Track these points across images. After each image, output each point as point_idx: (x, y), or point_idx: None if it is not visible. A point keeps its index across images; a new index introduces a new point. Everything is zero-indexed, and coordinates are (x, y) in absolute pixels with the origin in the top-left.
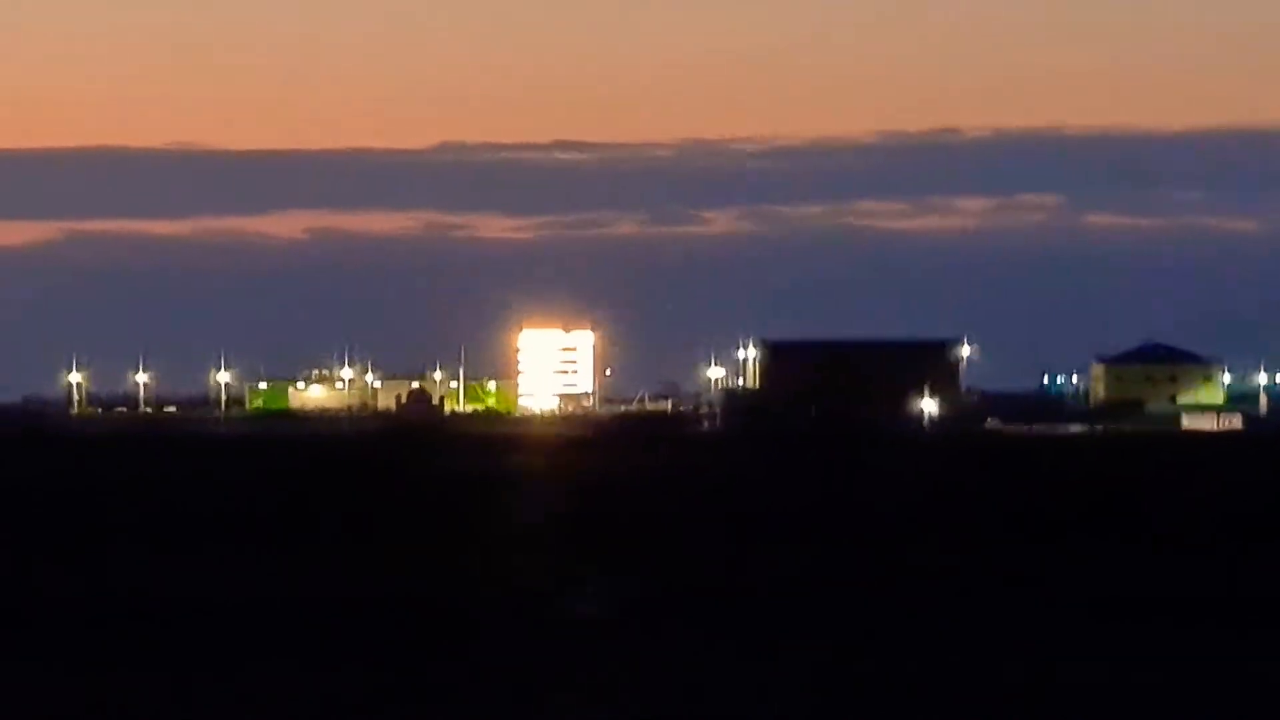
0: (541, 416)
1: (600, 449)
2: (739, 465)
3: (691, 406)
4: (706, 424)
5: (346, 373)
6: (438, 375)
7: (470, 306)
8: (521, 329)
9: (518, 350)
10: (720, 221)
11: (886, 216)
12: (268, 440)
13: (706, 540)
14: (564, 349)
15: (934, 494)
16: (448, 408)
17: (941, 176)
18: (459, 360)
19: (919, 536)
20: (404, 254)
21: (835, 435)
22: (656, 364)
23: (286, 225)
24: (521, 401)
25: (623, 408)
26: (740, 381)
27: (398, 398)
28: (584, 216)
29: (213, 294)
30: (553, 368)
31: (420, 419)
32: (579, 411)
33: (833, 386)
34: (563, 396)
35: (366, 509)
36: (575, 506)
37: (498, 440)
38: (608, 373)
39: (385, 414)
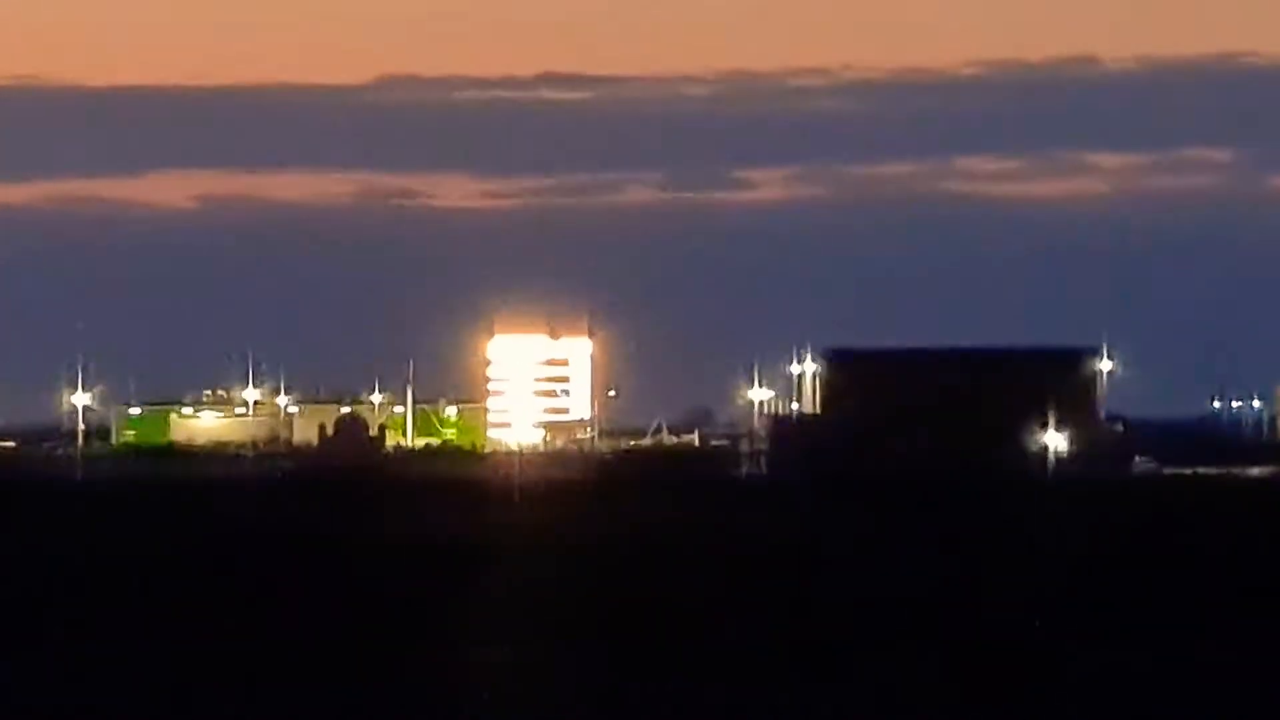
0: (520, 453)
1: (601, 503)
2: (803, 532)
3: (727, 441)
4: (748, 465)
5: (251, 394)
6: (376, 398)
7: (422, 303)
8: (493, 335)
9: (488, 364)
10: (768, 185)
11: (996, 179)
12: (133, 489)
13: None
14: (551, 362)
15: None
16: (389, 441)
17: (1072, 123)
18: (406, 378)
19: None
20: (332, 231)
21: (935, 483)
22: (678, 382)
23: (169, 191)
24: (493, 433)
25: (632, 443)
26: (795, 406)
27: (321, 429)
28: (580, 179)
29: (67, 285)
30: (535, 387)
31: (350, 457)
32: (572, 446)
33: (924, 414)
34: (549, 426)
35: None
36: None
37: (455, 488)
38: (611, 394)
39: (303, 450)
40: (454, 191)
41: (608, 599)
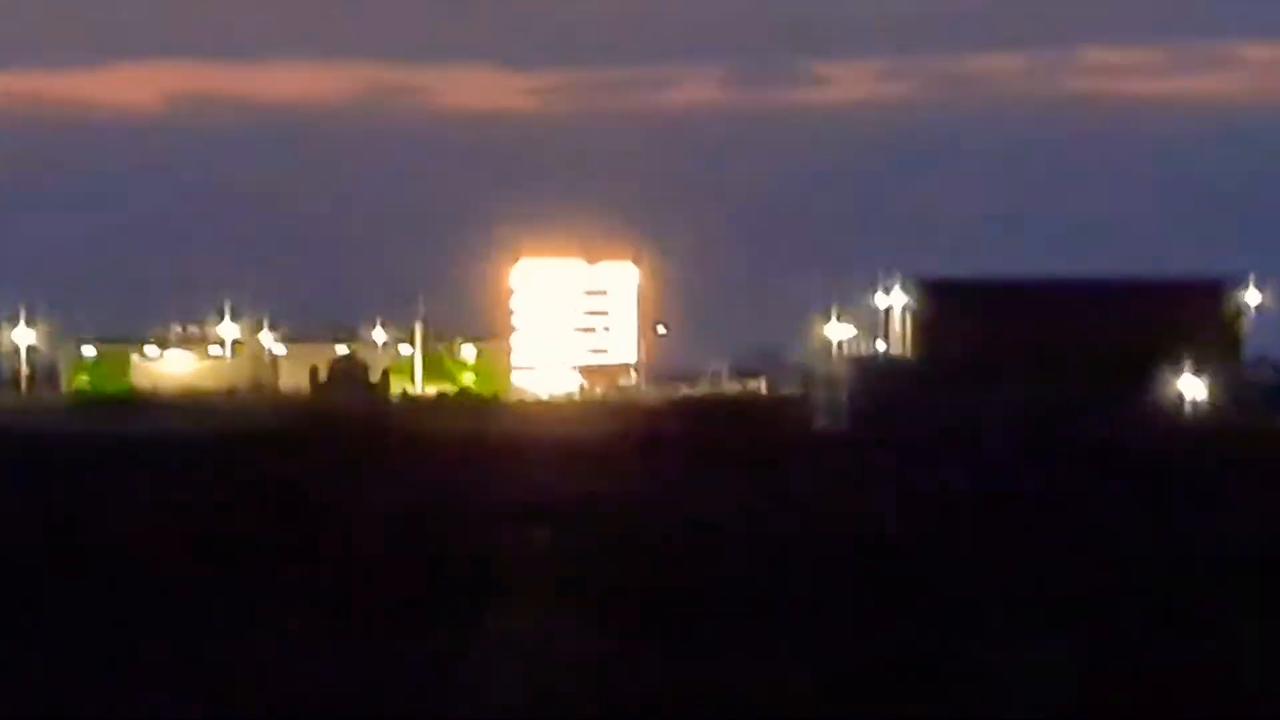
0: (551, 403)
1: (652, 466)
2: (904, 506)
3: (798, 387)
4: (825, 417)
5: (228, 330)
6: (378, 335)
7: (434, 222)
8: (518, 260)
9: (511, 294)
10: (851, 82)
11: (1123, 73)
12: (84, 445)
13: None
14: (589, 292)
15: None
16: (394, 388)
17: (1216, 5)
18: (414, 312)
19: None
20: (325, 135)
21: (1058, 437)
22: (741, 318)
23: (131, 87)
24: (518, 379)
25: (686, 389)
26: (881, 346)
27: (313, 371)
28: (625, 73)
29: (8, 199)
30: (570, 323)
31: (347, 407)
32: (614, 394)
33: (1038, 355)
34: (587, 370)
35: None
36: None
37: (473, 447)
38: (661, 331)
39: (291, 399)
40: (473, 87)
41: (686, 607)
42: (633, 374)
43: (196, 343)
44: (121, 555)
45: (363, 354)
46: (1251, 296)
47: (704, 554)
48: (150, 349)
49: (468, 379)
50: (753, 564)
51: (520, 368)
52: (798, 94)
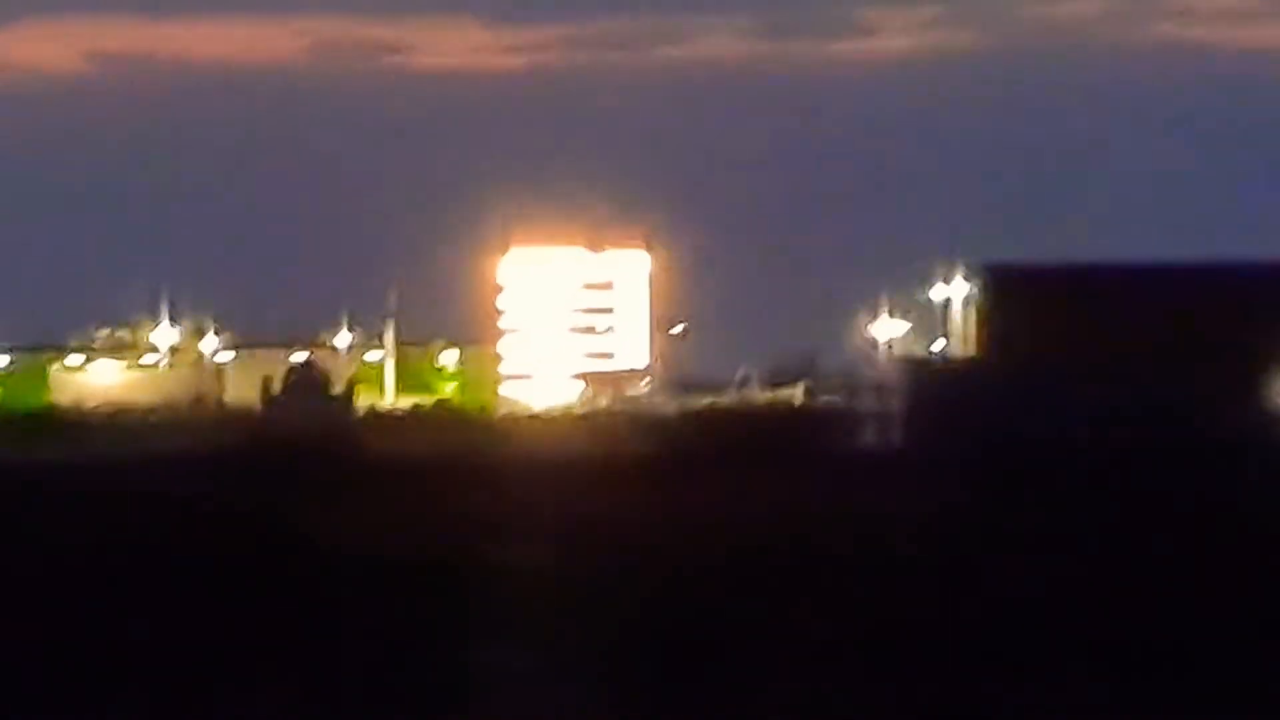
0: (548, 417)
1: (669, 492)
2: (976, 540)
3: (842, 397)
4: (873, 431)
5: (164, 336)
6: (342, 340)
7: (408, 205)
8: (508, 249)
9: (500, 290)
10: (897, 31)
11: (1218, 20)
12: None
13: None
14: (591, 285)
15: None
16: (361, 401)
17: None
18: (384, 311)
19: None
20: (281, 103)
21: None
22: (773, 314)
23: (50, 46)
24: (508, 389)
25: (709, 400)
26: (940, 346)
27: (265, 382)
28: (634, 24)
29: None
30: (570, 323)
31: (305, 424)
32: (622, 406)
33: (1134, 356)
34: (590, 378)
35: None
36: None
37: (455, 469)
38: (678, 331)
39: (239, 415)
40: (454, 44)
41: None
42: (645, 382)
43: (127, 350)
44: (27, 603)
45: (324, 361)
46: None
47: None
48: (72, 358)
49: (448, 389)
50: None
51: (511, 376)
52: (836, 46)
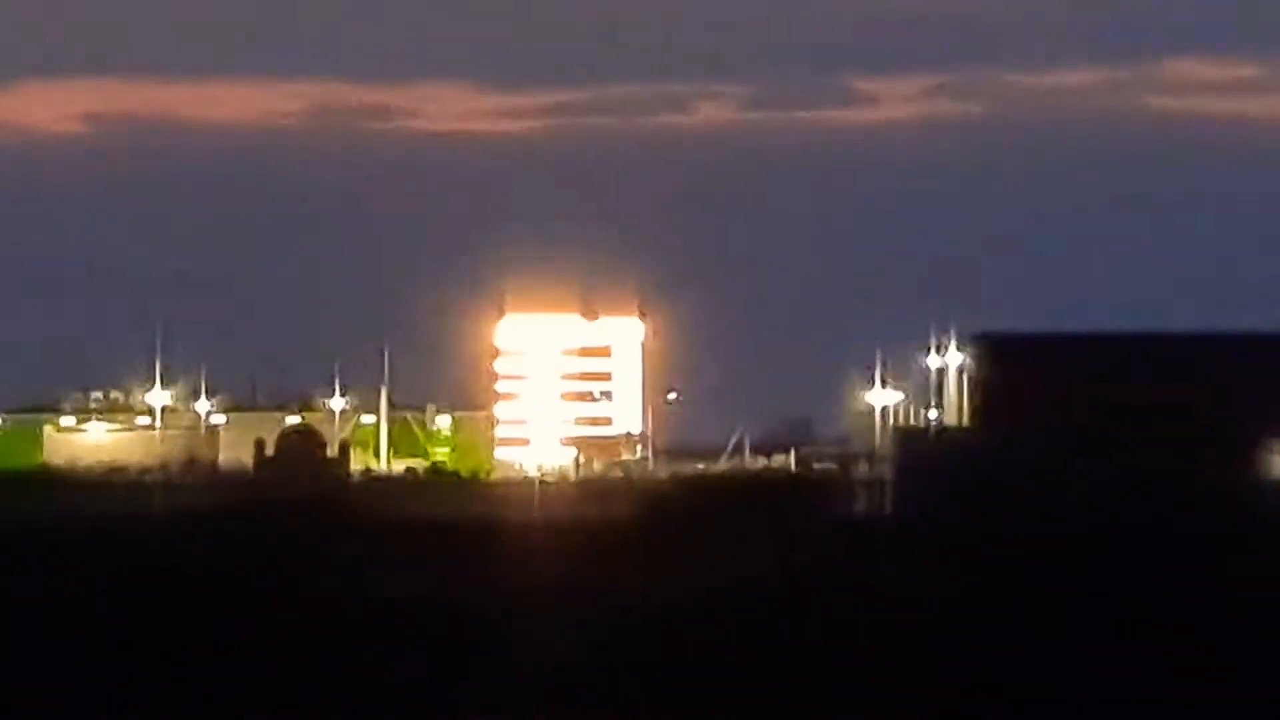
0: (541, 481)
1: (663, 558)
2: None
3: (835, 464)
4: (867, 499)
5: (157, 397)
6: (336, 403)
7: (404, 268)
8: (503, 314)
9: (495, 355)
10: (897, 100)
11: (1220, 92)
12: None
13: None
14: (586, 352)
15: None
16: (355, 465)
17: None
18: (379, 374)
19: None
20: (275, 165)
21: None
22: (767, 381)
23: (45, 106)
24: (502, 453)
25: (701, 466)
26: (934, 415)
27: (258, 445)
28: (630, 92)
29: None
30: (564, 389)
31: (298, 487)
32: (616, 472)
33: (1128, 425)
34: (584, 443)
35: None
36: None
37: (450, 534)
38: (671, 397)
39: (232, 477)
40: (449, 108)
41: None
42: (638, 448)
43: (121, 412)
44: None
45: (318, 424)
46: None
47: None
48: (66, 419)
49: (442, 453)
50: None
51: (505, 441)
52: (834, 114)
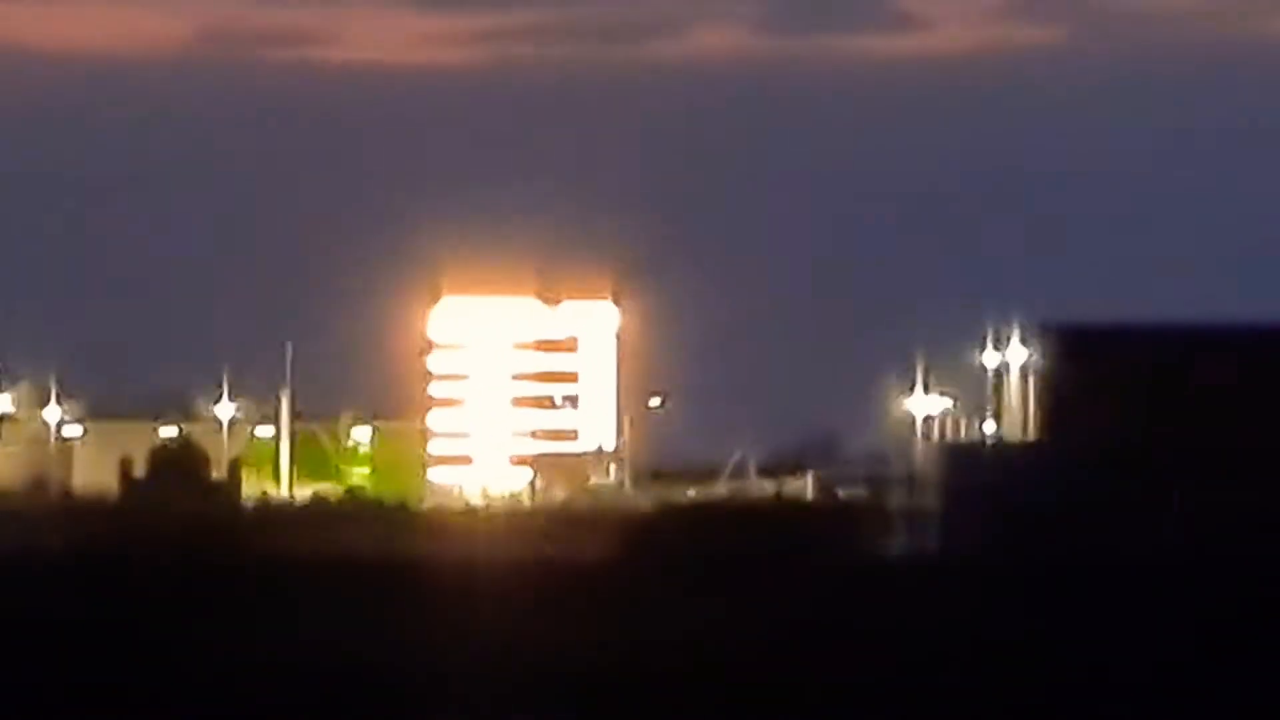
0: (485, 510)
1: (645, 615)
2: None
3: (864, 488)
4: (905, 532)
5: (1, 403)
6: (224, 411)
7: (312, 240)
8: (438, 298)
9: (429, 349)
10: (946, 25)
11: None
12: None
13: None
14: (544, 345)
15: None
16: (248, 488)
17: None
18: (280, 376)
19: None
20: (145, 105)
21: None
22: (777, 386)
23: None
24: (436, 475)
25: (693, 491)
26: (989, 427)
27: (124, 463)
28: (604, 13)
29: None
30: (516, 393)
31: (174, 514)
32: (581, 497)
33: (1240, 438)
34: (541, 462)
35: None
36: None
37: (371, 579)
38: (655, 404)
39: (91, 502)
40: (373, 36)
41: None
42: (612, 469)
43: None
44: None
45: (200, 438)
46: None
47: None
48: None
49: (360, 475)
50: None
51: (441, 459)
52: (867, 42)
